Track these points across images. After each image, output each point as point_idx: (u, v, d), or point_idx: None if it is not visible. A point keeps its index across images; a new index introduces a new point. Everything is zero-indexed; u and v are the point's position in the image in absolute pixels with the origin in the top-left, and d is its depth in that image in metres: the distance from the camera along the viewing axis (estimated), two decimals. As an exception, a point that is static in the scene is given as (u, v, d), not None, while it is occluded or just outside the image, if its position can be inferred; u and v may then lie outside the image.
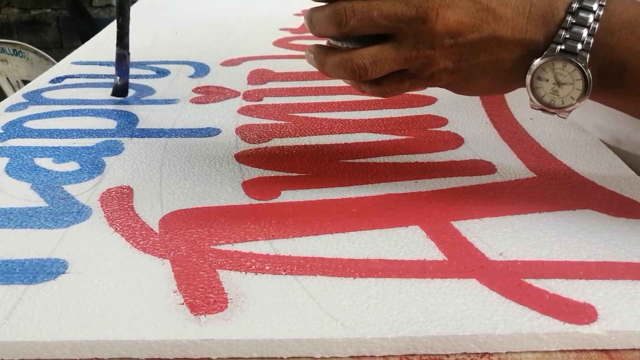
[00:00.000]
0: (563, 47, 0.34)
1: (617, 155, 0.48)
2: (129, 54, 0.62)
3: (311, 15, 0.38)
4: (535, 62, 0.35)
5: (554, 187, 0.43)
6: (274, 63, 0.75)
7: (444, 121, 0.55)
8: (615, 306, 0.31)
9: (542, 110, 0.37)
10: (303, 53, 0.79)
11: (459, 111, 0.58)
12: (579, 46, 0.34)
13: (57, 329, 0.30)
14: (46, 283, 0.34)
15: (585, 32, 0.34)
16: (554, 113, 0.37)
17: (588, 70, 0.34)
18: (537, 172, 0.45)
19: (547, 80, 0.35)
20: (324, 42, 0.41)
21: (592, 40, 0.34)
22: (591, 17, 0.34)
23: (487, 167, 0.46)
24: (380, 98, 0.54)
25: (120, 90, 0.63)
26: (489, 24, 0.35)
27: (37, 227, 0.39)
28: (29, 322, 0.31)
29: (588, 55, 0.34)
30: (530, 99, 0.37)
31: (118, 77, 0.62)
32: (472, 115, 0.57)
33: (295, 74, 0.69)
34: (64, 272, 0.34)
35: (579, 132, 0.52)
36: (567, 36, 0.34)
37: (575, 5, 0.34)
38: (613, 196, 0.42)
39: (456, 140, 0.51)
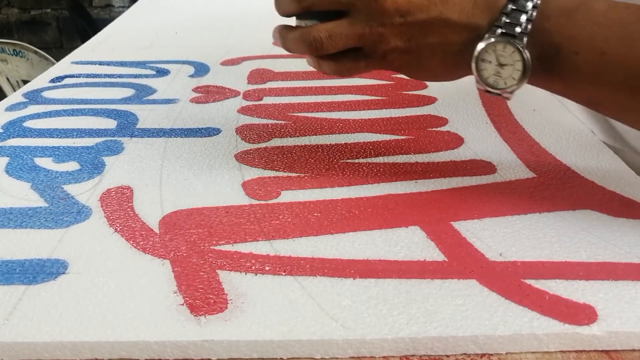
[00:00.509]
0: (504, 30, 0.37)
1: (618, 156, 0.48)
2: None
3: None
4: (479, 45, 0.37)
5: (554, 187, 0.43)
6: (274, 63, 0.75)
7: (444, 121, 0.55)
8: (615, 307, 0.31)
9: (488, 92, 0.39)
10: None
11: (459, 111, 0.58)
12: (518, 29, 0.36)
13: (57, 330, 0.30)
14: (46, 283, 0.34)
15: (524, 17, 0.36)
16: (498, 94, 0.39)
17: (526, 51, 0.36)
18: (537, 172, 0.45)
19: (490, 62, 0.37)
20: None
21: (529, 25, 0.36)
22: (530, 4, 0.36)
23: (487, 167, 0.46)
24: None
25: None
26: (437, 5, 0.37)
27: (37, 227, 0.39)
28: (29, 322, 0.31)
29: (526, 38, 0.36)
30: (477, 81, 0.39)
31: None
32: (472, 115, 0.56)
33: (295, 74, 0.69)
34: (64, 273, 0.34)
35: (579, 132, 0.52)
36: (508, 21, 0.36)
37: None
38: (613, 196, 0.42)
39: (456, 140, 0.51)
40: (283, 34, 0.43)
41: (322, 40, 0.39)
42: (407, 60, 0.40)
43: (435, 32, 0.38)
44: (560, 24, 0.36)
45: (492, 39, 0.37)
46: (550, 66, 0.37)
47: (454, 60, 0.39)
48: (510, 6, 0.36)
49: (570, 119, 0.56)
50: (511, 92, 0.38)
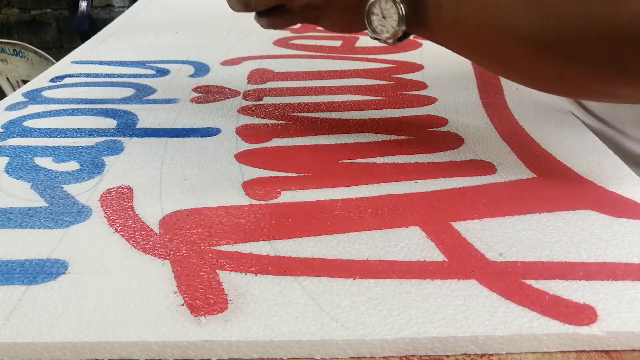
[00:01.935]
0: None
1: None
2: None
3: None
4: (369, 1, 0.45)
5: (554, 187, 0.43)
6: (274, 62, 0.75)
7: (444, 121, 0.55)
8: (615, 307, 0.31)
9: (375, 39, 0.46)
10: (303, 53, 0.79)
11: (459, 111, 0.58)
12: None
13: (57, 330, 0.30)
14: (46, 284, 0.34)
15: None
16: (384, 42, 0.46)
17: (401, 5, 0.43)
18: (537, 172, 0.45)
19: (377, 14, 0.45)
20: None
21: None
22: None
23: (487, 167, 0.46)
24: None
25: (81, 20, 0.69)
26: None
27: (37, 227, 0.39)
28: (29, 323, 0.31)
29: None
30: (368, 30, 0.46)
31: (83, 2, 0.68)
32: (472, 115, 0.56)
33: (295, 74, 0.69)
34: (64, 273, 0.34)
35: (579, 132, 0.52)
36: None
37: None
38: (613, 196, 0.42)
39: (456, 140, 0.51)
40: None
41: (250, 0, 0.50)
42: (318, 14, 0.49)
43: None
44: None
45: None
46: (422, 18, 0.43)
47: (353, 14, 0.47)
48: None
49: (570, 119, 0.56)
50: (390, 39, 0.46)
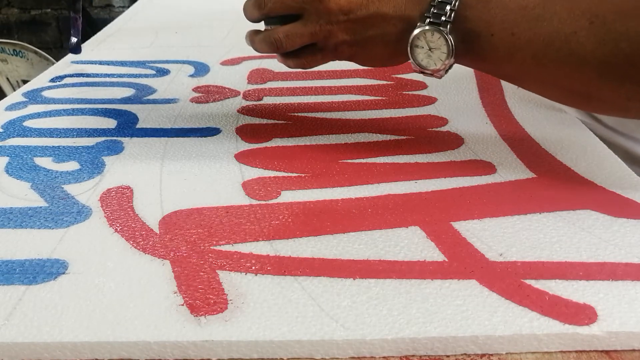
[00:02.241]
0: (431, 19, 0.42)
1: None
2: (80, 17, 0.70)
3: (244, 6, 0.49)
4: (413, 33, 0.43)
5: (554, 187, 0.43)
6: (274, 62, 0.74)
7: (444, 121, 0.55)
8: (615, 307, 0.31)
9: (422, 72, 0.45)
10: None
11: (459, 111, 0.58)
12: (443, 18, 0.42)
13: (57, 330, 0.30)
14: (46, 283, 0.34)
15: (448, 7, 0.41)
16: (429, 74, 0.45)
17: (450, 36, 0.42)
18: (537, 172, 0.45)
19: (422, 47, 0.43)
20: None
21: (453, 14, 0.41)
22: None
23: (487, 167, 0.46)
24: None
25: (74, 48, 0.72)
26: (374, 3, 0.44)
27: (37, 227, 0.39)
28: (29, 323, 0.31)
29: (449, 25, 0.42)
30: (412, 63, 0.45)
31: (73, 38, 0.71)
32: (472, 115, 0.56)
33: (295, 74, 0.69)
34: (64, 273, 0.34)
35: (579, 132, 0.52)
36: (435, 11, 0.42)
37: None
38: (613, 196, 0.42)
39: (456, 140, 0.51)
40: (252, 37, 0.50)
41: (281, 41, 0.46)
42: (354, 51, 0.46)
43: (374, 26, 0.44)
44: (479, 11, 0.41)
45: (422, 28, 0.42)
46: (472, 48, 0.42)
47: (394, 48, 0.45)
48: None
49: (570, 119, 0.56)
50: (440, 72, 0.44)
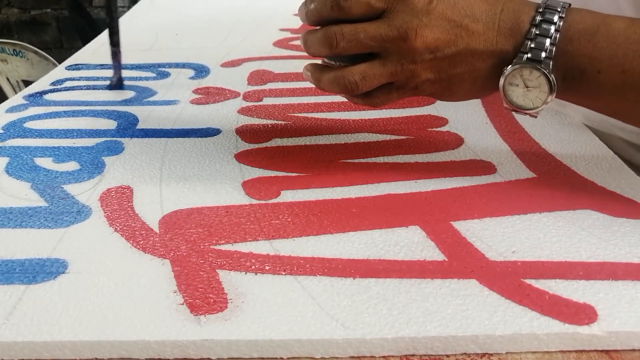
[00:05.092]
0: (529, 55, 0.38)
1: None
2: (119, 51, 0.66)
3: (306, 38, 0.42)
4: (506, 70, 0.39)
5: (554, 187, 0.43)
6: (274, 64, 0.75)
7: (444, 121, 0.55)
8: (615, 307, 0.31)
9: (515, 111, 0.41)
10: (303, 54, 0.79)
11: (459, 111, 0.58)
12: (543, 54, 0.38)
13: (57, 329, 0.30)
14: (46, 283, 0.34)
15: (547, 41, 0.38)
16: (525, 113, 0.41)
17: (552, 75, 0.38)
18: (537, 172, 0.45)
19: (518, 85, 0.39)
20: (319, 61, 0.44)
21: (554, 49, 0.38)
22: (552, 28, 0.38)
23: (487, 167, 0.46)
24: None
25: (115, 85, 0.67)
26: (463, 38, 0.39)
27: (37, 227, 0.39)
28: (29, 322, 0.31)
29: (551, 62, 0.38)
30: (504, 101, 0.41)
31: (113, 73, 0.67)
32: (472, 115, 0.57)
33: (295, 75, 0.69)
34: (63, 272, 0.34)
35: (579, 133, 0.52)
36: (532, 46, 0.38)
37: (538, 18, 0.38)
38: (613, 196, 0.42)
39: (456, 140, 0.51)
40: (316, 76, 0.44)
41: (357, 83, 0.41)
42: (437, 88, 0.42)
43: (463, 62, 0.40)
44: (583, 46, 0.37)
45: (519, 65, 0.38)
46: (574, 85, 0.38)
47: (483, 84, 0.41)
48: (534, 31, 0.38)
49: (570, 119, 0.56)
50: (538, 112, 0.40)
